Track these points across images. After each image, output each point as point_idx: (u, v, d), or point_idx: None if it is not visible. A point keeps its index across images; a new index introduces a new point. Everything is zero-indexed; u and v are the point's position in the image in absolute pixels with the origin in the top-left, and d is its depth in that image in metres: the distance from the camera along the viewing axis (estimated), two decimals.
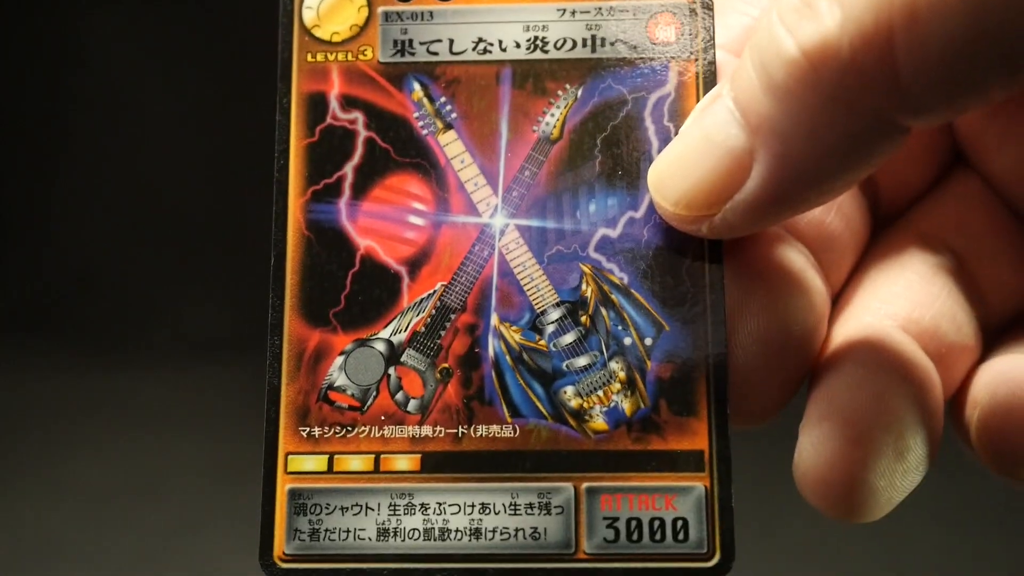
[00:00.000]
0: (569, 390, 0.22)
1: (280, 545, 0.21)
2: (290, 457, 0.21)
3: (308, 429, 0.22)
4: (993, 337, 0.24)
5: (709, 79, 0.23)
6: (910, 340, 0.23)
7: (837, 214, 0.24)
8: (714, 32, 0.23)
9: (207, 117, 1.02)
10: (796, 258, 0.23)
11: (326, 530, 0.21)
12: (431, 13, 0.23)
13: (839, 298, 0.25)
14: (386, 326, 0.22)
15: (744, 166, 0.19)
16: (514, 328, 0.22)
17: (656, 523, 0.21)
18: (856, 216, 0.25)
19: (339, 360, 0.22)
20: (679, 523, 0.21)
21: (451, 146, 0.23)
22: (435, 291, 0.22)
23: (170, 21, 1.03)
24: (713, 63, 0.23)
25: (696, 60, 0.23)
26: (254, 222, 0.97)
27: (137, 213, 1.02)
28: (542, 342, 0.22)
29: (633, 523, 0.21)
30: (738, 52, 0.24)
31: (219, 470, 0.81)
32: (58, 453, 0.84)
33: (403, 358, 0.22)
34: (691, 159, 0.20)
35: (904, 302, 0.23)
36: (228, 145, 1.01)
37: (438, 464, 0.21)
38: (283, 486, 0.21)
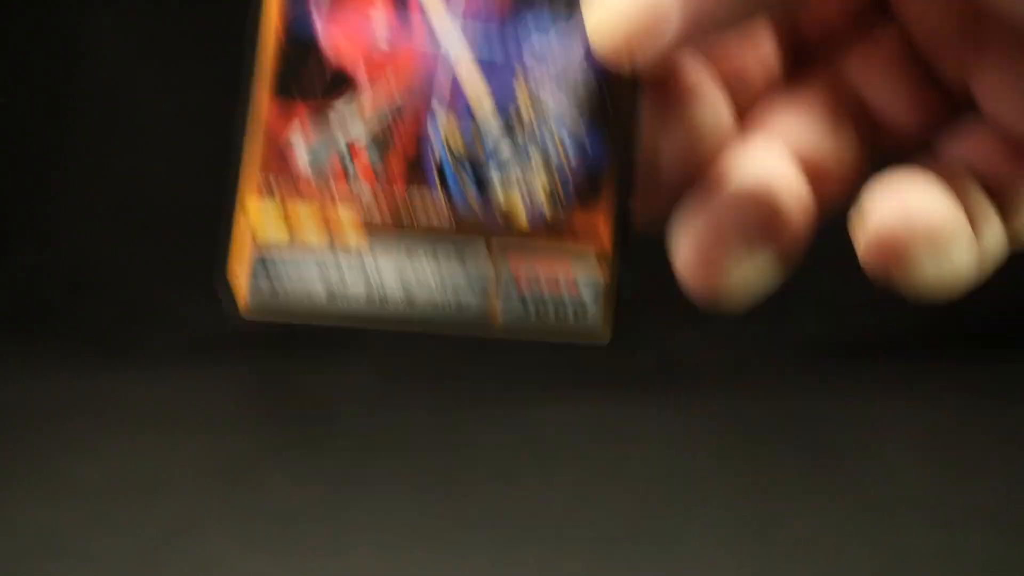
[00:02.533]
0: (499, 190, 0.27)
1: (243, 300, 0.27)
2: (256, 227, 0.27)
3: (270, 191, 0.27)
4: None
5: None
6: (787, 163, 0.27)
7: (753, 52, 0.29)
8: None
9: (207, 116, 1.00)
10: (707, 88, 0.27)
11: (284, 291, 0.27)
12: None
13: (745, 123, 0.29)
14: (350, 122, 0.28)
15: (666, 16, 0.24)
16: (458, 133, 0.28)
17: (559, 304, 0.27)
18: (771, 54, 0.29)
19: (303, 142, 0.27)
20: (580, 306, 0.27)
21: None
22: (394, 99, 0.28)
23: (170, 20, 1.05)
24: None
25: None
26: None
27: (137, 212, 1.05)
28: (480, 147, 0.28)
29: (541, 304, 0.27)
30: None
31: (219, 470, 0.83)
32: (58, 453, 0.85)
33: (361, 150, 0.28)
34: (623, 6, 0.25)
35: (794, 129, 0.28)
36: (228, 144, 1.05)
37: (382, 241, 0.27)
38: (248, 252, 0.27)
